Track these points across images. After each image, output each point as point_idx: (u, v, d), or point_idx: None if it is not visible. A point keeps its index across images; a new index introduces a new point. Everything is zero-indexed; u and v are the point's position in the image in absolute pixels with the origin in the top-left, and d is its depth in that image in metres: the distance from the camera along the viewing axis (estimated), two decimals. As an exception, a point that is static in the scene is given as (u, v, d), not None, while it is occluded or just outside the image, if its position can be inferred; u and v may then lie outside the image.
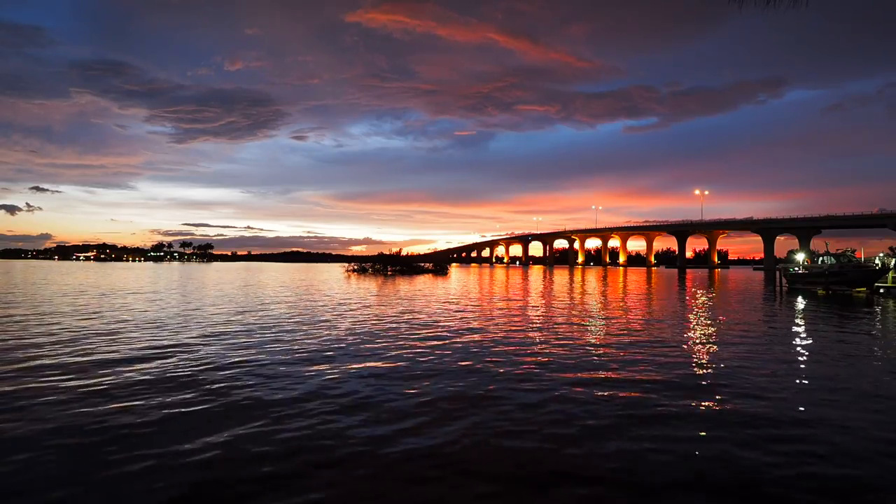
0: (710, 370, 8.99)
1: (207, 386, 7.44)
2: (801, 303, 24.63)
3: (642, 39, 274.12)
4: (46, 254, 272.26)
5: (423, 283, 43.91)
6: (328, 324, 14.77)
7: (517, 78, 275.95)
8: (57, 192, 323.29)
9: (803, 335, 13.62)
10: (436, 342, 11.68)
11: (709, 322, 16.43)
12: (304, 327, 13.98)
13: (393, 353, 10.22)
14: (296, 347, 10.79)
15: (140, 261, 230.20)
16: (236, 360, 9.37)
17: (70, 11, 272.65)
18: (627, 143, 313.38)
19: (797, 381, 8.23)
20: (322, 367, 8.89)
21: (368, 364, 9.16)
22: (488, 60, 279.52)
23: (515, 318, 16.88)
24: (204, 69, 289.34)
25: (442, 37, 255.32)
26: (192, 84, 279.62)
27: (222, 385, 7.51)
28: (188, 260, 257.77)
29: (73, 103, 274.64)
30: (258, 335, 12.41)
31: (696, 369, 9.06)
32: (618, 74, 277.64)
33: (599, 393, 7.34)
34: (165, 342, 11.20)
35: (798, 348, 11.57)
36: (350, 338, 12.15)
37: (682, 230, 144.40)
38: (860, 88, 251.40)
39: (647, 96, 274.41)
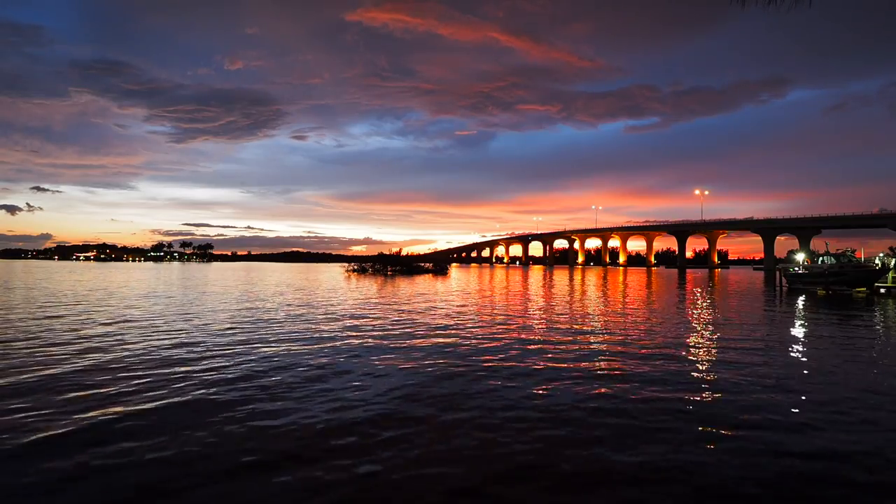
0: (709, 370, 8.99)
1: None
2: (801, 303, 24.64)
3: (644, 39, 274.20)
4: (46, 254, 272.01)
5: (424, 283, 43.92)
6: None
7: (518, 77, 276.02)
8: (57, 192, 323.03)
9: (803, 335, 13.63)
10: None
11: (709, 323, 16.44)
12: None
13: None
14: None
15: (140, 261, 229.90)
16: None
17: (70, 11, 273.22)
18: (628, 143, 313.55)
19: (795, 382, 8.23)
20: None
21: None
22: (489, 60, 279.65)
23: (517, 319, 16.90)
24: (204, 69, 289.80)
25: (443, 36, 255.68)
26: (192, 84, 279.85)
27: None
28: (188, 260, 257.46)
29: (73, 103, 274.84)
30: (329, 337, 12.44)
31: (694, 371, 9.06)
32: (619, 74, 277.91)
33: (595, 391, 7.36)
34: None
35: (797, 348, 11.57)
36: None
37: (682, 230, 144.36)
38: (862, 88, 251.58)
39: (648, 96, 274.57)
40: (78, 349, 10.25)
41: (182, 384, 7.61)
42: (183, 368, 8.68)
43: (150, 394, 7.08)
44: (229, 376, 8.17)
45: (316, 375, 8.31)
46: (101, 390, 7.19)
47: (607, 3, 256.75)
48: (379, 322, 15.40)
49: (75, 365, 8.77)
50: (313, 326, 14.26)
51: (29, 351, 9.97)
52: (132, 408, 6.42)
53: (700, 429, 5.84)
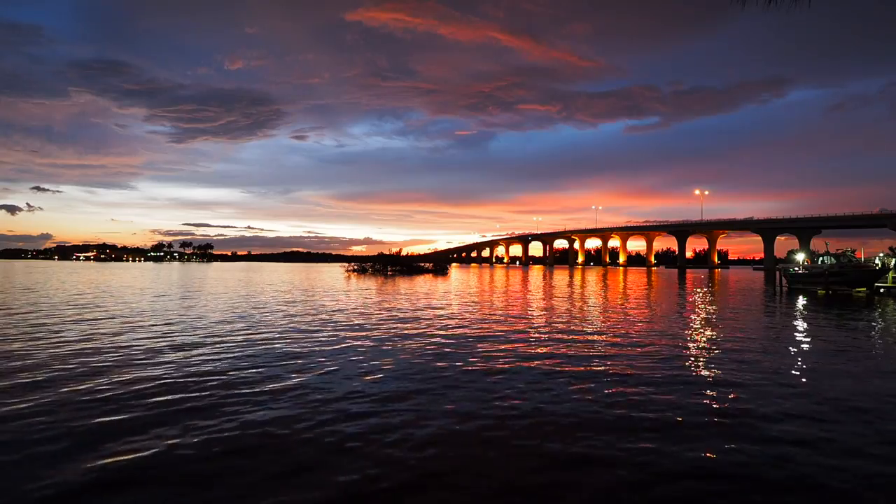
0: (708, 369, 9.06)
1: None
2: (801, 303, 24.70)
3: (644, 39, 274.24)
4: (46, 254, 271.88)
5: (425, 283, 43.96)
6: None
7: (519, 77, 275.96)
8: (57, 192, 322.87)
9: (803, 336, 13.68)
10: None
11: (709, 322, 16.49)
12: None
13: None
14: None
15: (140, 261, 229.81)
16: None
17: (69, 10, 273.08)
18: (629, 143, 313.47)
19: (794, 382, 8.30)
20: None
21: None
22: (490, 59, 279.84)
23: (518, 323, 16.96)
24: (204, 68, 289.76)
25: (443, 36, 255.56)
26: (192, 83, 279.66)
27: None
28: (188, 260, 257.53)
29: (73, 103, 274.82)
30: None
31: (694, 371, 9.12)
32: (620, 74, 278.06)
33: (600, 391, 7.43)
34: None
35: (797, 348, 11.62)
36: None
37: (682, 230, 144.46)
38: (862, 88, 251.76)
39: (649, 96, 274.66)
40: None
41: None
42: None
43: (151, 430, 7.14)
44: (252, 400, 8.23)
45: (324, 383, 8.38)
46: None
47: (607, 3, 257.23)
48: (387, 325, 15.49)
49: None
50: (315, 330, 14.34)
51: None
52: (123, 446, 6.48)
53: (704, 420, 5.92)
